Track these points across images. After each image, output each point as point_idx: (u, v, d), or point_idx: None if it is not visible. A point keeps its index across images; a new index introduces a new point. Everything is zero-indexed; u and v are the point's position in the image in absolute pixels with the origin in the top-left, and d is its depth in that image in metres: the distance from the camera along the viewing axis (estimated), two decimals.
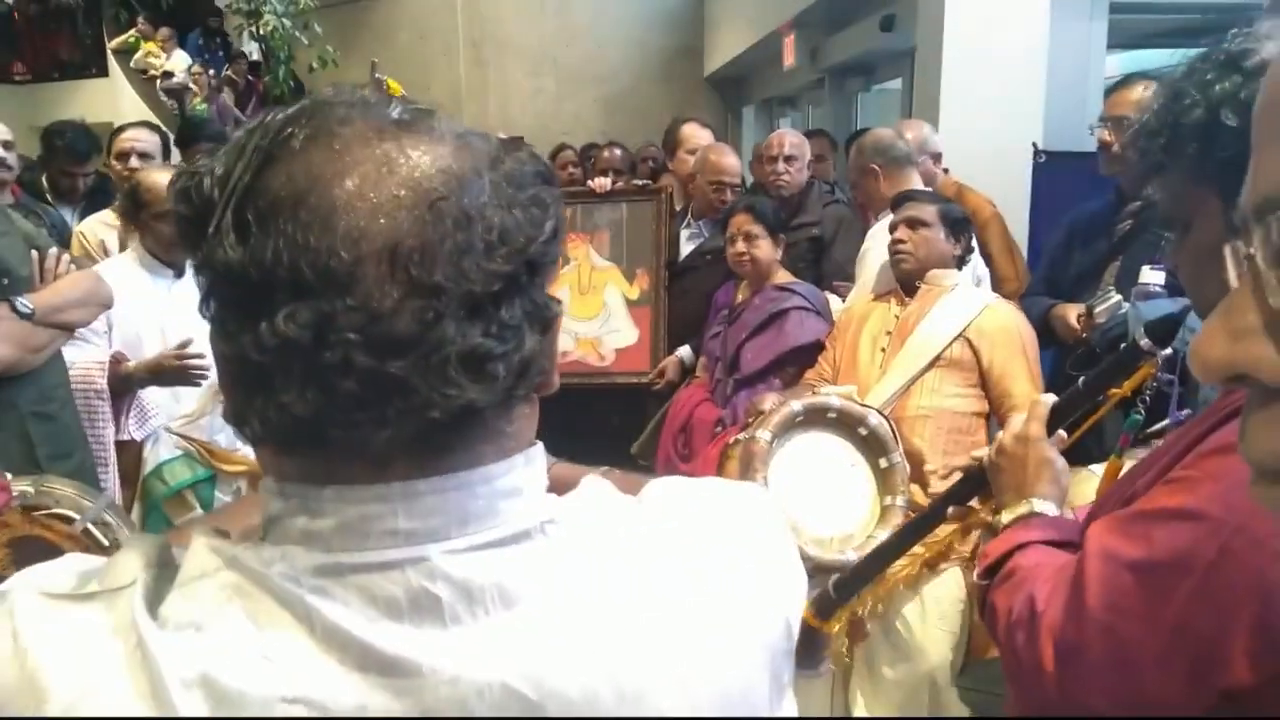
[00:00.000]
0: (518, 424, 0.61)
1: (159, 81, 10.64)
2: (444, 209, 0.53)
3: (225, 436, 2.90)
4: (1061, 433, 1.25)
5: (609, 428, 3.90)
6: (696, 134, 3.95)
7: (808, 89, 7.57)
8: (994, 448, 1.25)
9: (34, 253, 2.34)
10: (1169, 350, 1.17)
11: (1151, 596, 0.90)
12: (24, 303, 2.17)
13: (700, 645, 0.59)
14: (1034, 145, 3.59)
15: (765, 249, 3.03)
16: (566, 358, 3.71)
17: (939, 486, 2.50)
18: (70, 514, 1.76)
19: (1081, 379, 1.26)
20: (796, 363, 2.89)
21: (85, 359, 2.58)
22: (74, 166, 3.88)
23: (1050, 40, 3.71)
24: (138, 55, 11.12)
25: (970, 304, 2.54)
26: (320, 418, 0.53)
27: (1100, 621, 0.93)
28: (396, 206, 0.53)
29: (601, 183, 3.81)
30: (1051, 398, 1.26)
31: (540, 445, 0.64)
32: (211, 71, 10.03)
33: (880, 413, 2.32)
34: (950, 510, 1.42)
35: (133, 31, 11.33)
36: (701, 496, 0.68)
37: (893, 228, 2.60)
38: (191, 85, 10.48)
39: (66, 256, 2.40)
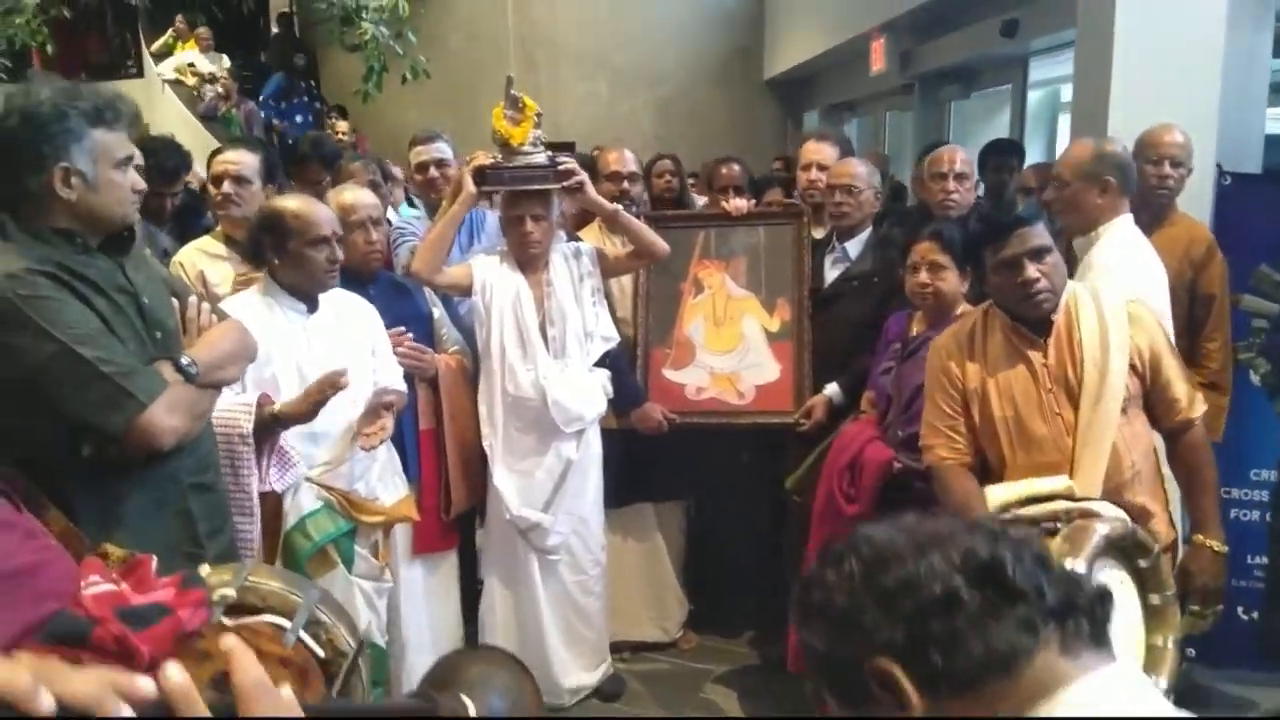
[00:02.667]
0: None
1: (197, 91, 10.39)
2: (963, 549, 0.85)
3: (364, 485, 2.67)
4: None
5: (738, 463, 3.64)
6: (817, 150, 3.67)
7: (887, 95, 7.26)
8: None
9: (173, 300, 2.07)
10: None
11: None
12: (191, 362, 1.89)
13: None
14: (1218, 167, 3.30)
15: (951, 281, 2.75)
16: (702, 395, 3.43)
17: (1164, 529, 2.26)
18: (280, 622, 1.48)
19: None
20: None
21: (227, 402, 2.33)
22: (164, 186, 3.59)
23: (1224, 51, 3.41)
24: (170, 63, 10.85)
25: (1113, 320, 2.20)
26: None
27: None
28: (949, 558, 0.83)
29: (738, 205, 3.51)
30: None
31: None
32: (299, 119, 9.60)
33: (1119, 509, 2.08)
34: None
35: (170, 33, 11.07)
36: None
37: (1009, 263, 2.18)
38: (221, 90, 10.25)
39: (207, 305, 2.13)
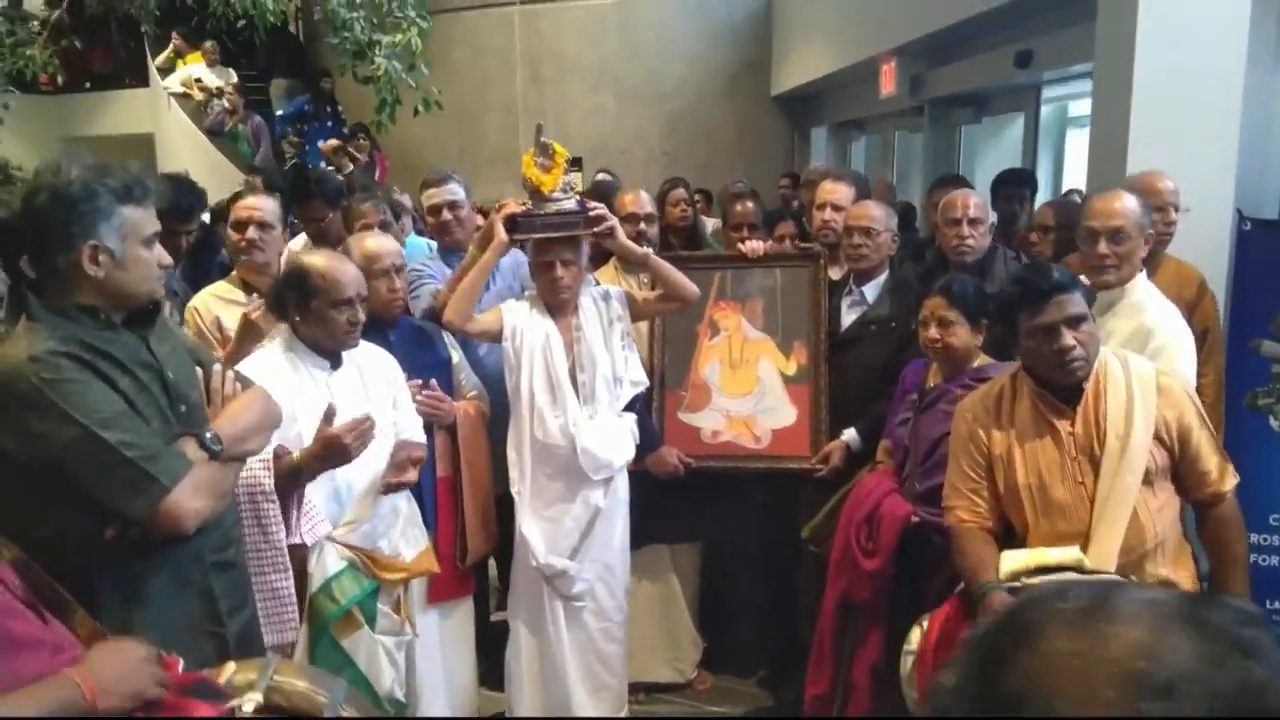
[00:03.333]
0: None
1: (204, 105, 10.37)
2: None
3: (387, 543, 2.66)
4: None
5: (753, 504, 3.62)
6: (832, 191, 3.66)
7: (897, 115, 7.24)
8: None
9: (198, 370, 2.06)
10: None
11: None
12: (214, 438, 1.88)
13: None
14: (1238, 212, 3.28)
15: (962, 336, 2.75)
16: (718, 438, 3.42)
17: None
18: None
19: None
20: None
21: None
22: (178, 224, 3.58)
23: (1244, 92, 3.39)
24: (177, 76, 10.83)
25: (1140, 393, 2.18)
26: None
27: None
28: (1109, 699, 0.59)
29: (754, 247, 3.49)
30: None
31: None
32: (323, 141, 9.42)
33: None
34: None
35: (170, 49, 11.03)
36: None
37: (1045, 330, 2.16)
38: (227, 105, 10.23)
39: (231, 374, 2.11)
